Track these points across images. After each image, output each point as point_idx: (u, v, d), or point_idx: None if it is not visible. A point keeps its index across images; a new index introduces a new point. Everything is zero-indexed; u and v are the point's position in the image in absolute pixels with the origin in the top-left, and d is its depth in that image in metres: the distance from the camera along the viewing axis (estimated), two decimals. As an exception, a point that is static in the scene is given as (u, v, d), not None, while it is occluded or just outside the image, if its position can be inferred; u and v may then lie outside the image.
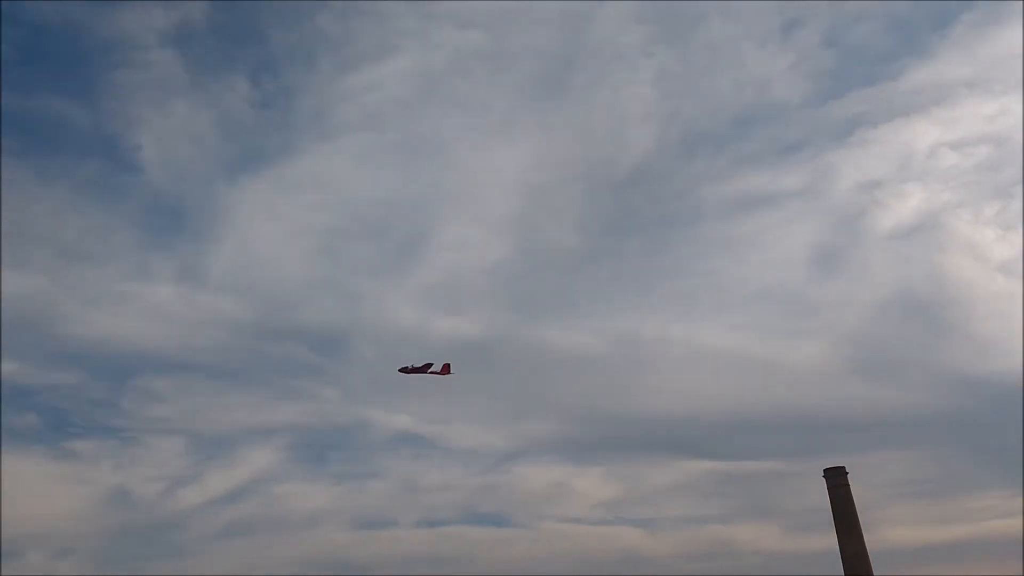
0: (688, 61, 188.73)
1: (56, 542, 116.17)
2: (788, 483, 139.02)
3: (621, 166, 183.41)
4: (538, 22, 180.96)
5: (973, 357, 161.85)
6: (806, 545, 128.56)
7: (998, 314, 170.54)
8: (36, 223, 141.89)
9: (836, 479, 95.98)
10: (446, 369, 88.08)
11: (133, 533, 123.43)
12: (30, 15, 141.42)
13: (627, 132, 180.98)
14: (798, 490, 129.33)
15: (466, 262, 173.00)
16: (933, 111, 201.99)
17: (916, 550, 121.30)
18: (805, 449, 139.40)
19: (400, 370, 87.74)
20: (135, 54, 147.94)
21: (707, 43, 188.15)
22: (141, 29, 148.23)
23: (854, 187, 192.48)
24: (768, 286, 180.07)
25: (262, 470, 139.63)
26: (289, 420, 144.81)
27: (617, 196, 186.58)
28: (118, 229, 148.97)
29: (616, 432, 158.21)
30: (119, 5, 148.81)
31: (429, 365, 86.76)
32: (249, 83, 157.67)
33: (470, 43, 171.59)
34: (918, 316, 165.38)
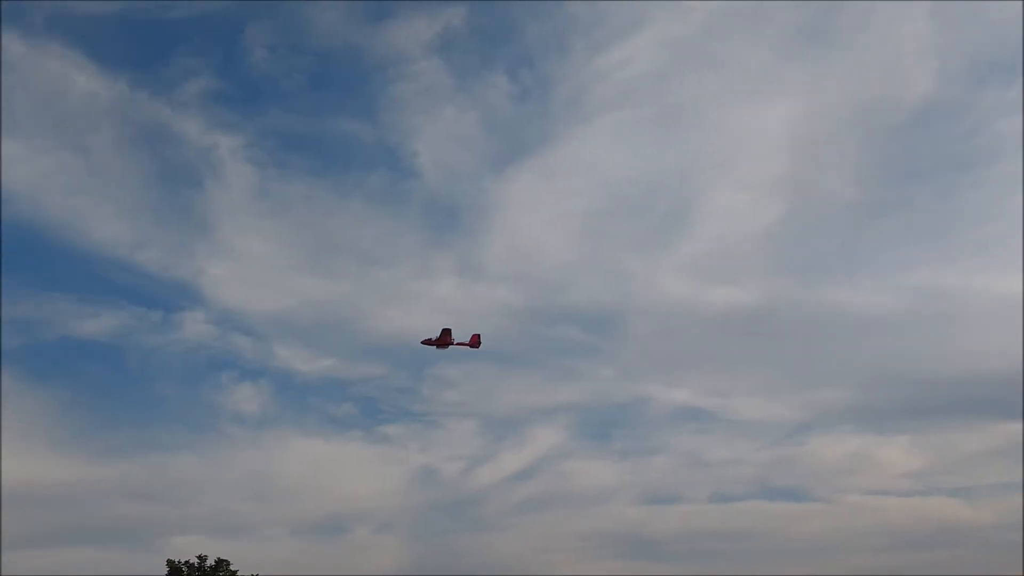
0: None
1: (378, 517, 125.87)
2: None
3: (901, 108, 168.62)
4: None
5: None
6: None
7: None
8: (338, 234, 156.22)
9: None
10: (475, 340, 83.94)
11: (441, 508, 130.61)
12: (316, 45, 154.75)
13: (904, 71, 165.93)
14: None
15: (736, 228, 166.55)
16: None
17: None
18: None
19: (423, 342, 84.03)
20: (406, 67, 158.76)
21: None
22: (409, 43, 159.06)
23: None
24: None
25: (550, 448, 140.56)
26: (570, 400, 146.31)
27: (899, 140, 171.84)
28: (404, 232, 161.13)
29: (921, 396, 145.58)
30: (389, 23, 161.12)
31: (448, 332, 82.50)
32: (508, 79, 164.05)
33: (723, 2, 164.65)
34: None
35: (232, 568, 65.31)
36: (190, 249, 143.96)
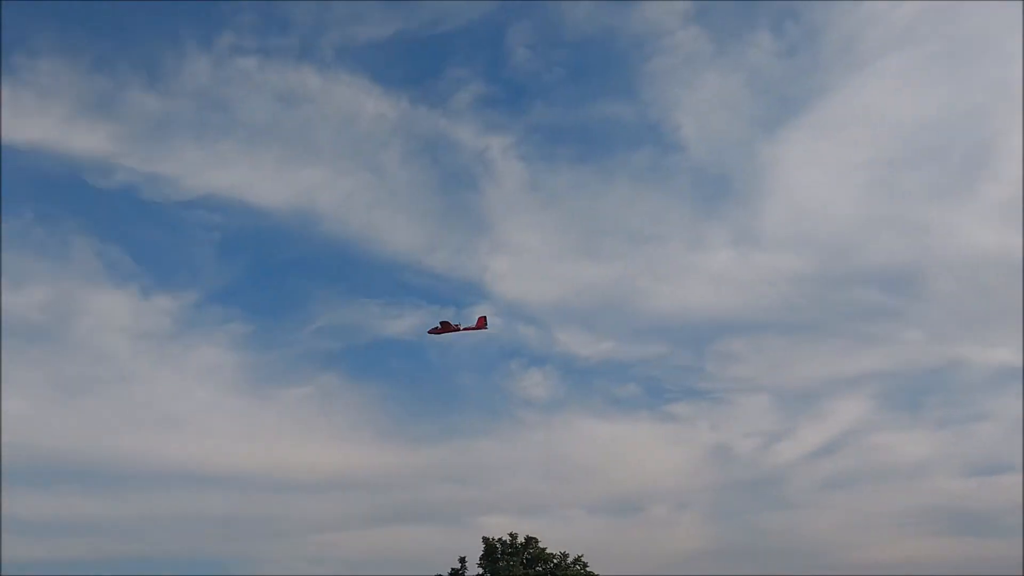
0: None
1: (674, 496, 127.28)
2: None
3: None
4: None
5: None
6: None
7: None
8: (607, 217, 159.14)
9: None
10: (481, 323, 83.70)
11: (738, 487, 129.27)
12: (572, 35, 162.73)
13: None
14: None
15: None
16: None
17: None
18: None
19: (429, 332, 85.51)
20: (663, 40, 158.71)
21: None
22: (665, 15, 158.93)
23: None
24: None
25: (853, 421, 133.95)
26: (871, 367, 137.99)
27: None
28: (673, 208, 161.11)
29: None
30: (642, 1, 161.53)
31: (446, 322, 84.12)
32: (771, 36, 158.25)
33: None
34: None
35: (540, 545, 68.99)
36: (473, 248, 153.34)
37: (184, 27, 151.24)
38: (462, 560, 69.20)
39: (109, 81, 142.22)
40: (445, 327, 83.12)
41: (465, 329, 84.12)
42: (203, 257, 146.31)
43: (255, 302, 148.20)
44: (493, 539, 68.94)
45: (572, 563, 68.50)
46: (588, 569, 68.58)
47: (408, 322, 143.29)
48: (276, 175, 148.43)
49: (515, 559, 67.58)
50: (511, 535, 68.88)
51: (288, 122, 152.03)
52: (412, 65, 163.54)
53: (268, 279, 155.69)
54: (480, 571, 68.31)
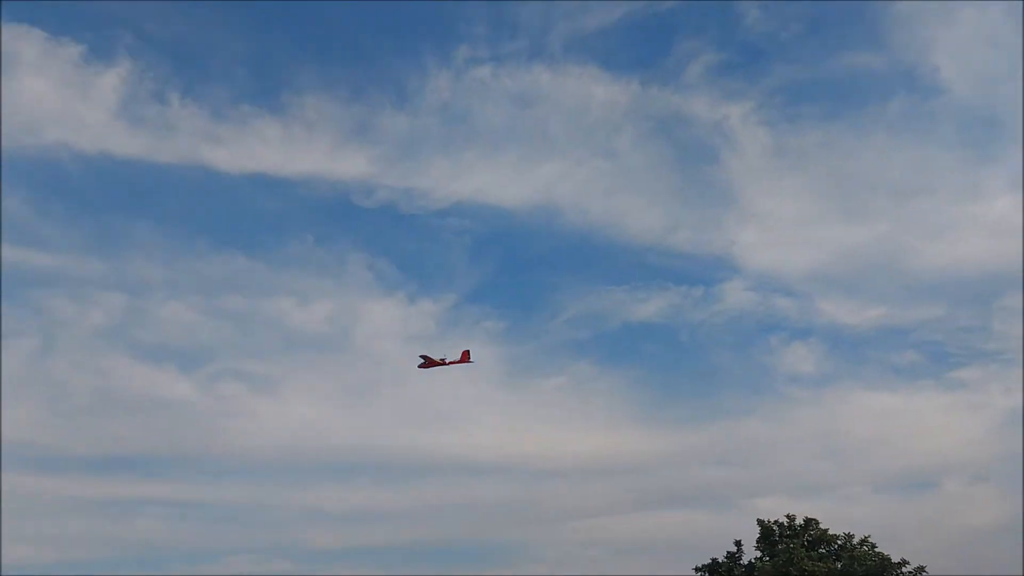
0: None
1: (969, 468, 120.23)
2: None
3: None
4: None
5: None
6: None
7: None
8: (864, 174, 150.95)
9: None
10: (465, 356, 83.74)
11: None
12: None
13: None
14: None
15: None
16: None
17: None
18: None
19: (419, 367, 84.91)
20: None
21: None
22: None
23: None
24: None
25: None
26: None
27: None
28: (939, 156, 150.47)
29: None
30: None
31: (428, 357, 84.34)
32: None
33: None
34: None
35: (822, 527, 65.46)
36: (718, 222, 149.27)
37: (424, 47, 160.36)
38: (738, 543, 67.50)
39: (364, 108, 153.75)
40: (429, 362, 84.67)
41: (450, 363, 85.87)
42: (457, 261, 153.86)
43: (507, 299, 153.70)
44: (769, 521, 66.56)
45: (858, 544, 64.48)
46: (877, 549, 64.17)
47: (656, 305, 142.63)
48: (516, 175, 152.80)
49: (795, 541, 64.53)
50: (788, 517, 66.12)
51: (523, 122, 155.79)
52: (640, 46, 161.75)
53: (517, 276, 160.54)
54: (758, 554, 66.21)
